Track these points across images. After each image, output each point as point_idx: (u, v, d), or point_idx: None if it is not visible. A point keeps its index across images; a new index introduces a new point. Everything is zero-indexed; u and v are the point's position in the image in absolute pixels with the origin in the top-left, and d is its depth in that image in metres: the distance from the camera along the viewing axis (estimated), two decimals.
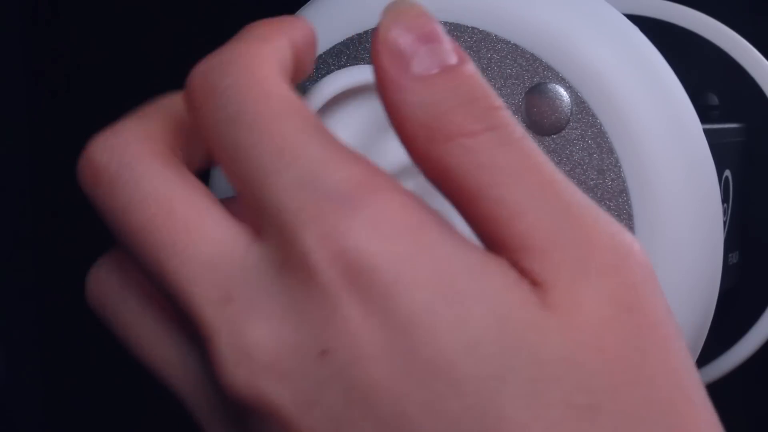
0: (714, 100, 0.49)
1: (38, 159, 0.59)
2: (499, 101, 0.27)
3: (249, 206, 0.27)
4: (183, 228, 0.27)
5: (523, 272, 0.27)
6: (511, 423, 0.25)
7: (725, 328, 0.47)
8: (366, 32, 0.38)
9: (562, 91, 0.36)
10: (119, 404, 0.61)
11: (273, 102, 0.27)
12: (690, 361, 0.27)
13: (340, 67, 0.38)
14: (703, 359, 0.48)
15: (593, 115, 0.36)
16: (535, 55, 0.36)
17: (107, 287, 0.30)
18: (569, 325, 0.26)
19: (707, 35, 0.48)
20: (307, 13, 0.39)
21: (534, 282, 0.26)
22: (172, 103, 0.29)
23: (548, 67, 0.36)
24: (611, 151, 0.36)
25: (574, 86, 0.36)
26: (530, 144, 0.27)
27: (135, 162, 0.28)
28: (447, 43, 0.27)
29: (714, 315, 0.38)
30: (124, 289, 0.29)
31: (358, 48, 0.38)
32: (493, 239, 0.27)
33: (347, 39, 0.38)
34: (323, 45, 0.38)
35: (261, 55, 0.28)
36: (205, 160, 0.30)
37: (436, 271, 0.26)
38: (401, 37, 0.27)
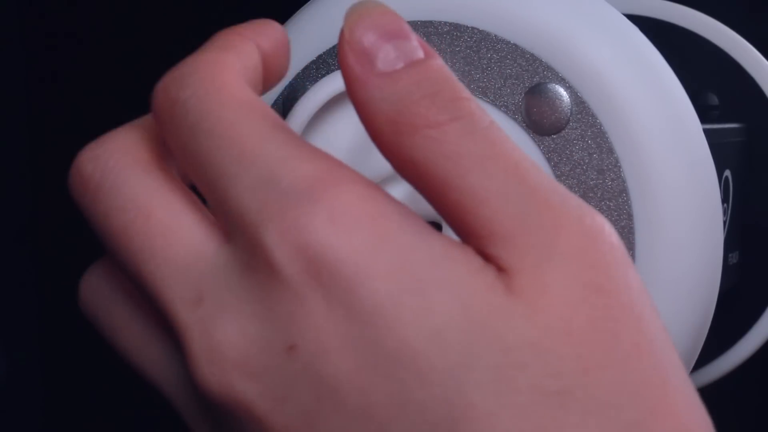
0: (714, 100, 0.49)
1: (38, 159, 0.59)
2: (464, 92, 0.27)
3: (215, 211, 0.28)
4: (159, 232, 0.28)
5: (489, 259, 0.27)
6: (479, 411, 0.25)
7: (725, 328, 0.47)
8: None
9: (562, 91, 0.36)
10: (119, 404, 0.61)
11: (231, 108, 0.28)
12: (667, 342, 0.27)
13: (339, 67, 0.38)
14: (703, 359, 0.48)
15: (593, 115, 0.36)
16: (535, 55, 0.36)
17: (98, 293, 0.30)
18: (535, 310, 0.26)
19: (707, 35, 0.48)
20: (307, 13, 0.39)
21: (500, 268, 0.26)
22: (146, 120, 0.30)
23: (548, 67, 0.36)
24: (611, 151, 0.36)
25: (574, 86, 0.36)
26: (496, 132, 0.27)
27: (117, 170, 0.28)
28: (412, 40, 0.28)
29: (714, 315, 0.38)
30: (113, 294, 0.30)
31: None
32: (462, 228, 0.27)
33: None
34: (323, 45, 0.38)
35: (221, 63, 0.28)
36: None
37: (397, 261, 0.26)
38: (365, 36, 0.28)
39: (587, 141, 0.36)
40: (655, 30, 0.44)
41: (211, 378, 0.27)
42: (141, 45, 0.58)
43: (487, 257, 0.27)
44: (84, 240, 0.58)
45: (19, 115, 0.58)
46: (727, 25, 0.48)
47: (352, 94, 0.28)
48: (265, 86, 0.31)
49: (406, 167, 0.27)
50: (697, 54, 0.48)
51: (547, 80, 0.36)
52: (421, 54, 0.28)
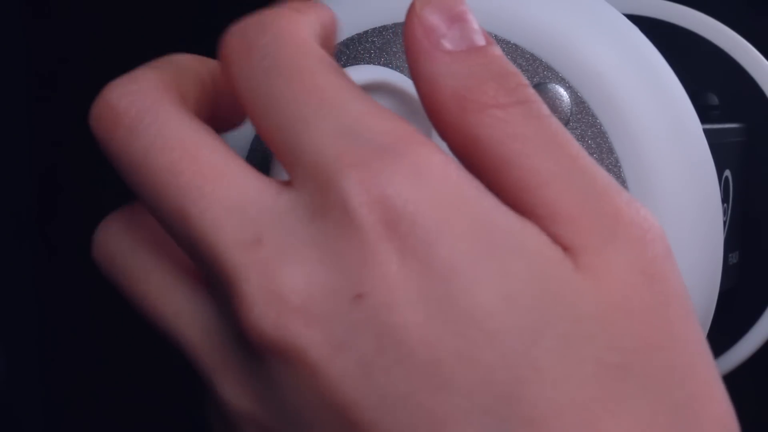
0: (714, 100, 0.49)
1: (40, 158, 0.59)
2: (526, 80, 0.28)
3: (282, 155, 0.27)
4: (209, 172, 0.27)
5: (554, 237, 0.27)
6: (544, 375, 0.26)
7: (725, 328, 0.47)
8: (366, 32, 0.38)
9: (562, 91, 0.36)
10: (119, 404, 0.61)
11: (312, 59, 0.28)
12: (705, 339, 0.28)
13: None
14: None
15: (593, 115, 0.36)
16: (534, 55, 0.36)
17: (117, 240, 0.29)
18: (600, 287, 0.27)
19: (707, 35, 0.48)
20: None
21: (564, 247, 0.27)
22: (183, 59, 0.30)
23: (548, 67, 0.36)
24: (611, 151, 0.36)
25: (574, 86, 0.36)
26: (557, 122, 0.28)
27: (156, 107, 0.28)
28: (475, 25, 0.28)
29: (714, 315, 0.38)
30: (136, 242, 0.29)
31: (358, 48, 0.38)
32: (522, 207, 0.27)
33: (347, 39, 0.38)
34: None
35: (299, 21, 0.28)
36: (215, 121, 0.30)
37: (476, 223, 0.26)
38: (433, 15, 0.28)
39: (587, 141, 0.36)
40: (655, 30, 0.44)
41: (266, 320, 0.26)
42: (141, 44, 0.58)
43: (551, 236, 0.27)
44: (84, 240, 0.58)
45: (20, 114, 0.58)
46: (727, 25, 0.48)
47: (418, 67, 0.28)
48: None
49: (466, 144, 0.28)
50: (697, 54, 0.48)
51: (547, 80, 0.36)
52: (483, 40, 0.28)
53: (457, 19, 0.28)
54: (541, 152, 0.27)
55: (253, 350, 0.27)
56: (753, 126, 0.48)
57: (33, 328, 0.59)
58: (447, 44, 0.28)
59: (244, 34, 0.28)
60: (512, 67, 0.28)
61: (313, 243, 0.26)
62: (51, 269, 0.59)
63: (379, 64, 0.37)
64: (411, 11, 0.28)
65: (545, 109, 0.28)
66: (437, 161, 0.27)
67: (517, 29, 0.36)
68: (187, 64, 0.30)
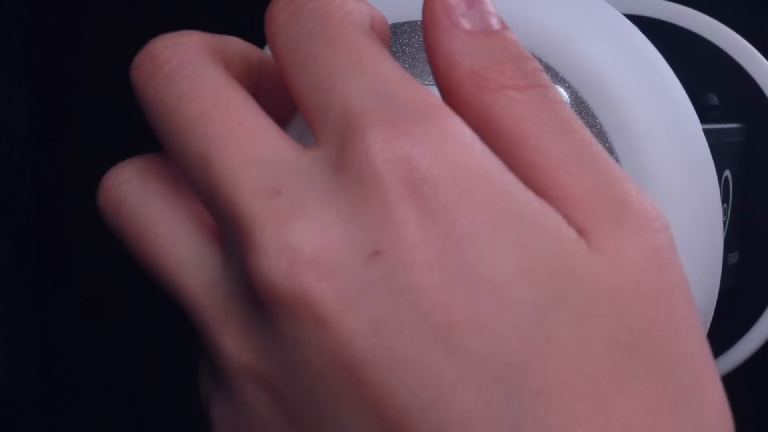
0: (714, 100, 0.49)
1: (41, 158, 0.59)
2: (541, 66, 0.29)
3: (310, 112, 0.27)
4: (237, 124, 0.27)
5: (566, 219, 0.27)
6: (556, 347, 0.26)
7: (725, 328, 0.47)
8: None
9: (562, 91, 0.36)
10: (119, 404, 0.61)
11: (354, 27, 0.28)
12: (703, 329, 0.29)
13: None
14: None
15: (593, 115, 0.36)
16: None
17: (127, 186, 0.29)
18: (613, 267, 0.27)
19: (707, 35, 0.48)
20: None
21: (577, 228, 0.27)
22: (235, 39, 0.30)
23: (548, 67, 0.36)
24: (611, 151, 0.36)
25: (574, 86, 0.36)
26: (571, 109, 0.28)
27: (197, 62, 0.28)
28: (493, 9, 0.29)
29: (714, 315, 0.38)
30: (146, 188, 0.29)
31: None
32: (535, 186, 0.28)
33: None
34: None
35: (346, 2, 0.29)
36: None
37: (498, 195, 0.27)
38: None
39: None
40: (655, 30, 0.44)
41: (278, 270, 0.26)
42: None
43: (564, 216, 0.28)
44: (84, 240, 0.58)
45: (21, 114, 0.58)
46: (727, 25, 0.48)
47: (435, 43, 0.28)
48: None
49: (480, 122, 0.28)
50: (697, 54, 0.48)
51: None
52: (500, 24, 0.29)
53: (474, 2, 0.29)
54: (556, 135, 0.28)
55: (260, 302, 0.26)
56: (753, 126, 0.48)
57: (33, 328, 0.59)
58: (466, 23, 0.28)
59: (291, 3, 0.28)
60: (527, 52, 0.29)
61: (332, 197, 0.26)
62: (51, 270, 0.59)
63: None
64: None
65: (560, 96, 0.28)
66: (464, 133, 0.27)
67: (517, 29, 0.36)
68: (238, 44, 0.30)
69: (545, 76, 0.28)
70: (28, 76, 0.58)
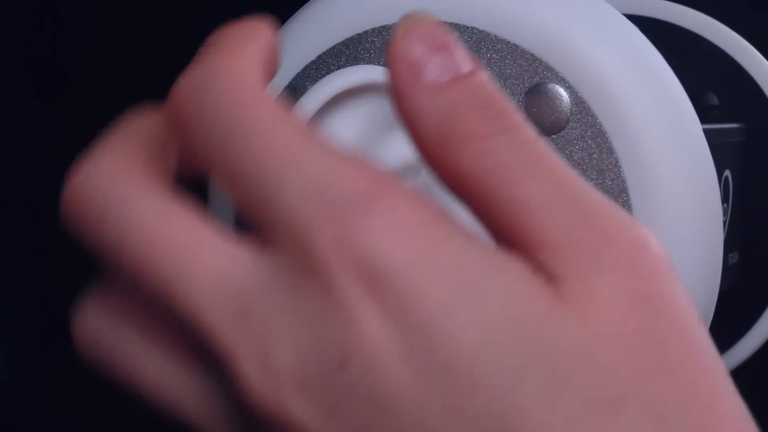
0: (714, 100, 0.49)
1: (39, 157, 0.59)
2: (511, 105, 0.27)
3: (255, 219, 0.27)
4: (186, 251, 0.27)
5: (538, 268, 0.27)
6: (533, 418, 0.25)
7: (725, 328, 0.47)
8: (366, 32, 0.38)
9: (562, 91, 0.36)
10: (119, 404, 0.61)
11: (265, 114, 0.27)
12: (714, 352, 0.27)
13: (340, 67, 0.38)
14: None
15: (593, 115, 0.36)
16: (535, 55, 0.36)
17: (99, 327, 0.29)
18: (585, 318, 0.26)
19: (707, 35, 0.48)
20: (307, 13, 0.39)
21: (549, 277, 0.26)
22: (141, 119, 0.29)
23: (548, 67, 0.36)
24: (611, 151, 0.36)
25: (574, 86, 0.36)
26: (543, 145, 0.27)
27: (122, 191, 0.27)
28: (459, 52, 0.28)
29: (714, 315, 0.38)
30: (119, 326, 0.29)
31: (358, 48, 0.38)
32: (509, 238, 0.27)
33: (347, 39, 0.38)
34: (323, 45, 0.38)
35: (242, 66, 0.28)
36: (182, 170, 0.29)
37: (450, 268, 0.26)
38: (413, 48, 0.27)
39: (587, 141, 0.36)
40: (655, 30, 0.44)
41: (266, 397, 0.26)
42: (140, 45, 0.58)
43: (535, 266, 0.27)
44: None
45: (21, 114, 0.58)
46: (727, 25, 0.48)
47: (400, 104, 0.27)
48: None
49: (452, 178, 0.27)
50: (697, 54, 0.48)
51: (547, 80, 0.36)
52: (468, 67, 0.28)
53: (439, 48, 0.28)
54: (527, 180, 0.27)
55: (258, 422, 0.27)
56: (753, 126, 0.48)
57: (33, 328, 0.59)
58: (430, 75, 0.27)
59: (191, 95, 0.27)
60: (496, 94, 0.27)
61: (297, 309, 0.26)
62: (51, 269, 0.59)
63: (379, 64, 0.37)
64: (392, 46, 0.28)
65: (530, 134, 0.27)
66: (406, 208, 0.26)
67: (517, 29, 0.36)
68: (146, 122, 0.29)
69: (513, 117, 0.27)
70: (28, 75, 0.58)
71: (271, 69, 0.29)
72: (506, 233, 0.27)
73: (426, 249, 0.26)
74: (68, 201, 0.28)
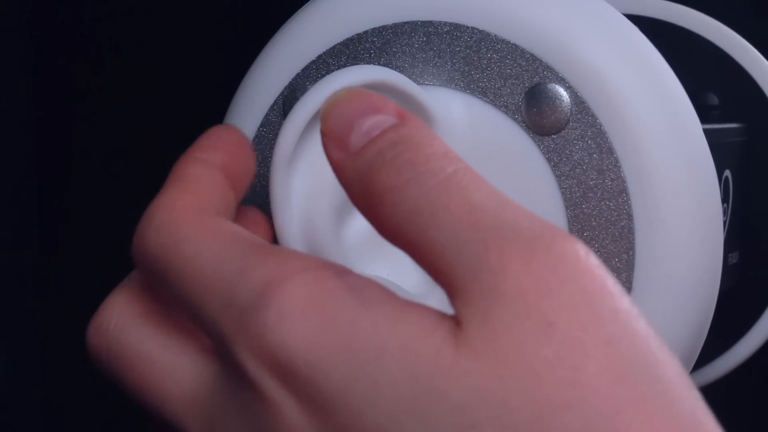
0: (714, 100, 0.49)
1: (41, 159, 0.59)
2: (428, 147, 0.28)
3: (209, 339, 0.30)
4: (166, 375, 0.31)
5: (448, 315, 0.27)
6: None
7: (725, 328, 0.47)
8: (366, 32, 0.38)
9: (562, 91, 0.36)
10: (119, 404, 0.61)
11: (189, 243, 0.30)
12: (646, 363, 0.26)
13: (339, 67, 0.38)
14: (703, 359, 0.48)
15: (593, 115, 0.36)
16: (534, 55, 0.36)
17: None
18: (482, 362, 0.25)
19: (707, 35, 0.48)
20: (307, 12, 0.39)
21: (457, 322, 0.26)
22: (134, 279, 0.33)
23: (548, 67, 0.36)
24: (611, 151, 0.36)
25: (574, 86, 0.36)
26: (456, 179, 0.28)
27: (117, 336, 0.32)
28: (373, 118, 0.29)
29: (714, 315, 0.38)
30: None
31: (358, 48, 0.38)
32: (438, 283, 0.28)
33: (347, 39, 0.38)
34: (323, 45, 0.38)
35: (176, 203, 0.31)
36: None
37: (343, 341, 0.27)
38: (336, 123, 0.30)
39: (587, 141, 0.36)
40: (655, 30, 0.44)
41: None
42: (141, 45, 0.58)
43: (443, 315, 0.27)
44: (84, 240, 0.58)
45: (22, 115, 0.58)
46: (727, 25, 0.48)
47: (335, 173, 0.30)
48: (239, 191, 0.34)
49: (383, 229, 0.29)
50: (697, 54, 0.48)
51: (547, 80, 0.36)
52: (390, 122, 0.29)
53: (360, 115, 0.29)
54: (431, 224, 0.27)
55: None
56: (753, 126, 0.49)
57: (34, 328, 0.60)
58: (353, 145, 0.29)
59: (137, 246, 0.31)
60: (412, 140, 0.28)
61: (242, 415, 0.29)
62: (51, 269, 0.59)
63: (379, 64, 0.37)
64: (321, 130, 0.30)
65: (442, 172, 0.28)
66: (299, 293, 0.28)
67: (517, 29, 0.36)
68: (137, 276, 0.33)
69: (423, 160, 0.28)
70: (28, 76, 0.58)
71: (242, 170, 0.34)
72: (434, 278, 0.28)
73: (318, 327, 0.27)
74: (87, 348, 0.33)
